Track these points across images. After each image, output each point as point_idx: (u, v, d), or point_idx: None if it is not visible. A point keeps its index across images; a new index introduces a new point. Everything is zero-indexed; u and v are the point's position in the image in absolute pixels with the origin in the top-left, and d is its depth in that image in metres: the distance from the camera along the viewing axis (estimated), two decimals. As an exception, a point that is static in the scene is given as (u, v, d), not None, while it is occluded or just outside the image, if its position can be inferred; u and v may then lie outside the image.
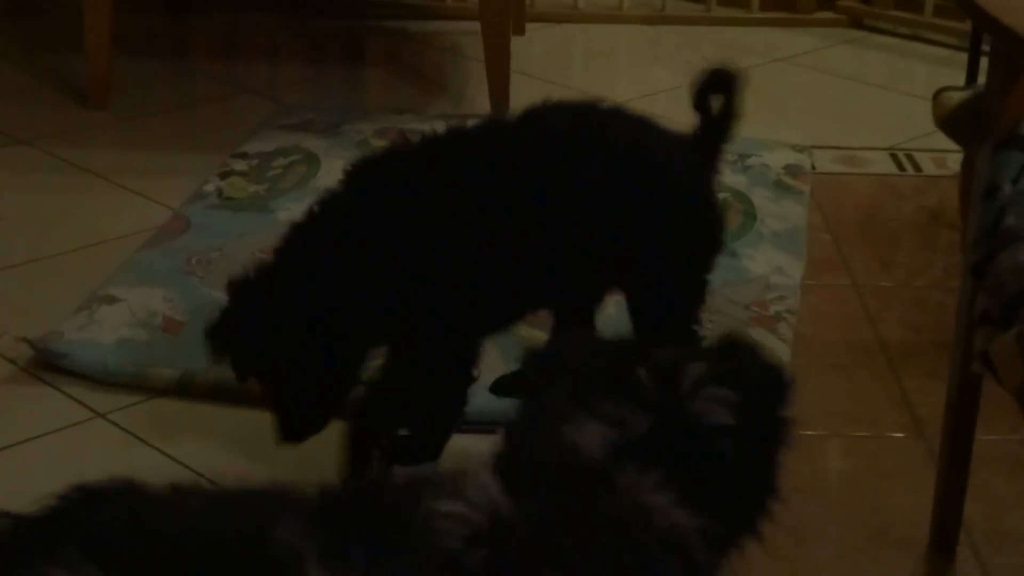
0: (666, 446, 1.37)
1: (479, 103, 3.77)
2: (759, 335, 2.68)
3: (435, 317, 2.14)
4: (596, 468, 1.34)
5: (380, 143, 3.37)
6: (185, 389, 2.49)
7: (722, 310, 2.77)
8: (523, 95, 3.60)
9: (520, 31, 4.37)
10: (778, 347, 2.65)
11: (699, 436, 1.40)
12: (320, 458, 2.31)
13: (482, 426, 2.29)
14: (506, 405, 2.20)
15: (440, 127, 2.46)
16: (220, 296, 2.72)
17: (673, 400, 1.40)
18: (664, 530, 1.33)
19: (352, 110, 3.72)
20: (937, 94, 2.98)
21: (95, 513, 1.39)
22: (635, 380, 1.41)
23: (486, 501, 1.28)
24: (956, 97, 2.93)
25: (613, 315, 2.48)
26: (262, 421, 2.40)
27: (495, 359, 2.45)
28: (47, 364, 2.54)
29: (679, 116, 3.84)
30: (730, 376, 1.44)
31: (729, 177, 3.37)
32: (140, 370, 2.52)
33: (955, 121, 2.90)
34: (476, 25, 3.80)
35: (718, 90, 2.44)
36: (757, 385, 1.48)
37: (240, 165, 3.36)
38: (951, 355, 2.13)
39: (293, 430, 2.23)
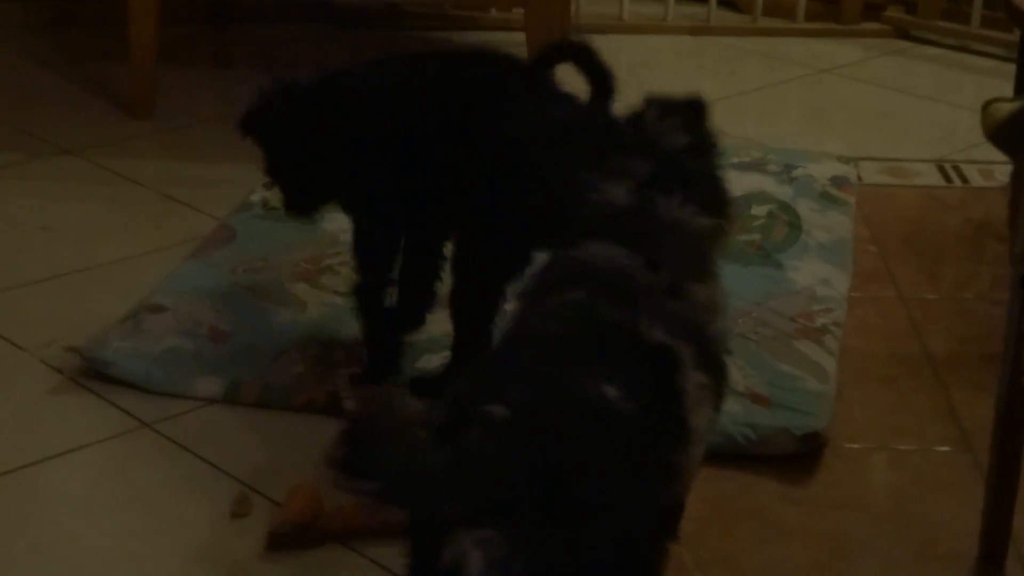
0: (664, 175, 1.93)
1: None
2: (805, 347, 2.67)
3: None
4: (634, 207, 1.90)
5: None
6: (231, 398, 2.49)
7: (767, 322, 2.76)
8: (568, 106, 3.60)
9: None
10: (824, 360, 2.64)
11: (676, 158, 1.98)
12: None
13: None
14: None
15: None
16: (266, 305, 2.76)
17: (652, 142, 1.98)
18: (697, 230, 1.92)
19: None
20: (986, 105, 2.97)
21: None
22: (621, 139, 2.00)
23: None
24: (1006, 108, 2.91)
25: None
26: (309, 430, 2.42)
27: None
28: (94, 373, 2.55)
29: (725, 126, 3.84)
30: (667, 109, 2.08)
31: (775, 188, 3.36)
32: (186, 379, 2.53)
33: (1005, 132, 2.88)
34: (520, 36, 3.80)
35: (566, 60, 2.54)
36: (684, 109, 2.12)
37: (285, 175, 3.37)
38: (999, 368, 2.12)
39: (294, 202, 2.61)
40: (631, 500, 1.62)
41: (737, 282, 2.90)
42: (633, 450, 1.64)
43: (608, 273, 1.82)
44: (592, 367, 1.66)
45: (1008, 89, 3.49)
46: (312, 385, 2.50)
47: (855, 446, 2.44)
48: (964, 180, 3.56)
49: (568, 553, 1.54)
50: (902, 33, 4.73)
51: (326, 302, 2.80)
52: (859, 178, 3.51)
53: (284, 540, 2.13)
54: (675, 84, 4.34)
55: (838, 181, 3.43)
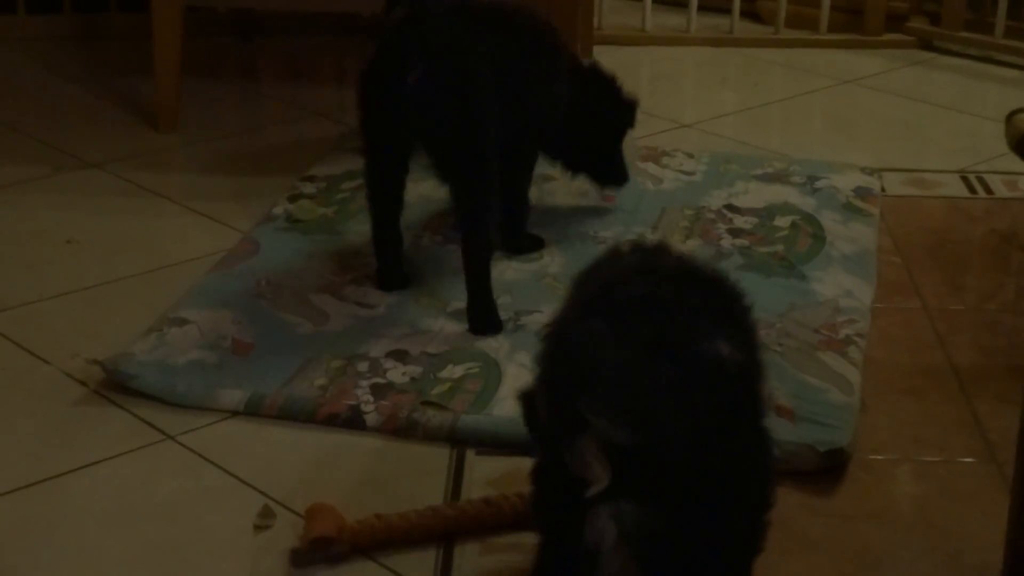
0: None
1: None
2: (828, 358, 2.67)
3: None
4: None
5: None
6: (254, 410, 2.50)
7: (791, 333, 2.76)
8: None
9: (587, 54, 4.37)
10: (848, 371, 2.63)
11: None
12: (389, 483, 2.32)
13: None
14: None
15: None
16: (289, 317, 2.76)
17: None
18: None
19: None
20: (1010, 116, 2.97)
21: None
22: None
23: None
24: (1030, 119, 2.92)
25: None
26: (331, 443, 2.42)
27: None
28: (118, 386, 2.56)
29: (748, 137, 3.85)
30: None
31: (798, 199, 3.36)
32: (209, 391, 2.53)
33: (1029, 143, 2.89)
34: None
35: None
36: None
37: (308, 188, 3.38)
38: (1024, 380, 2.11)
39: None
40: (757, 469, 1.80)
41: (761, 293, 2.89)
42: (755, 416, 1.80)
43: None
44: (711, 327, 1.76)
45: (1032, 99, 3.49)
46: (335, 398, 2.50)
47: (880, 458, 2.43)
48: (988, 191, 3.55)
49: (699, 522, 1.70)
50: (925, 44, 4.72)
51: (349, 314, 2.80)
52: (883, 189, 3.50)
53: (311, 556, 2.13)
54: (697, 95, 4.39)
55: (862, 192, 3.43)
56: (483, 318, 2.77)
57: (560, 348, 1.73)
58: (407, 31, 2.71)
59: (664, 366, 1.67)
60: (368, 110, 2.83)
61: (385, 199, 2.90)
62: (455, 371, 2.59)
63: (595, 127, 3.19)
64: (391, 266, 2.93)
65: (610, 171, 3.26)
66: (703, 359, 1.72)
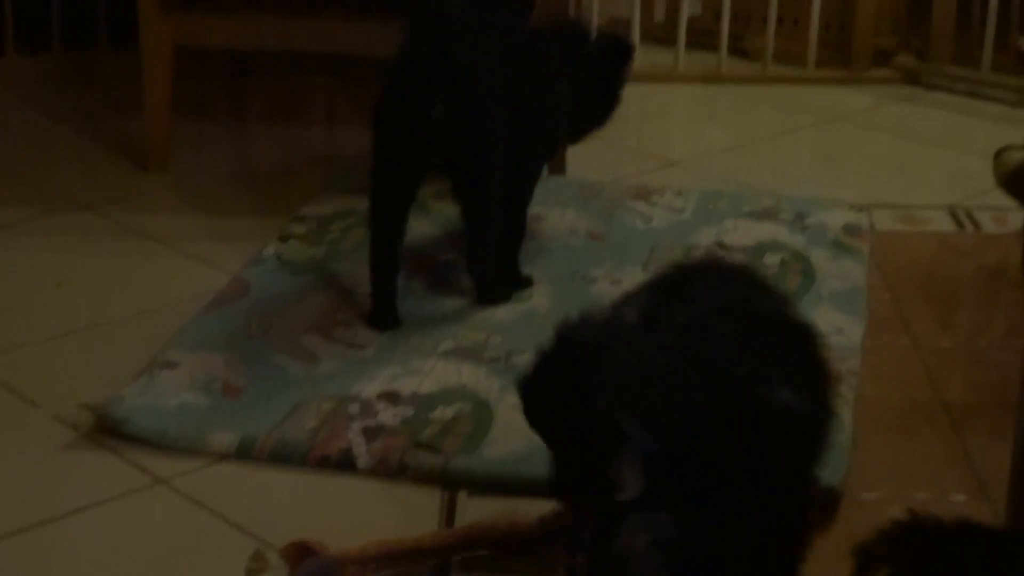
0: None
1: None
2: (820, 396, 2.67)
3: None
4: None
5: (438, 205, 3.39)
6: (245, 453, 2.49)
7: (782, 371, 2.75)
8: (579, 155, 3.62)
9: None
10: (840, 409, 2.63)
11: None
12: (381, 526, 2.32)
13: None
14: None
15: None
16: (280, 359, 2.76)
17: None
18: None
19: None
20: (998, 153, 2.98)
21: None
22: None
23: None
24: (1017, 156, 2.92)
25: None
26: (323, 486, 2.41)
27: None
28: (108, 429, 2.55)
29: (737, 175, 3.86)
30: None
31: (787, 237, 3.36)
32: (200, 434, 2.53)
33: (1017, 180, 2.89)
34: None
35: None
36: None
37: (299, 228, 3.38)
38: (1016, 415, 2.11)
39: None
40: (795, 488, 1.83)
41: (751, 332, 2.90)
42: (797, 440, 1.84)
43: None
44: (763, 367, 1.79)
45: (1020, 134, 3.50)
46: (326, 440, 2.50)
47: (872, 495, 2.43)
48: (977, 226, 3.56)
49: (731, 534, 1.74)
50: (912, 79, 4.73)
51: (340, 355, 2.80)
52: (872, 225, 3.51)
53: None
54: (687, 132, 4.39)
55: (851, 229, 3.43)
56: (492, 291, 3.01)
57: (604, 355, 1.74)
58: (425, 63, 2.81)
59: (715, 397, 1.70)
60: (383, 137, 2.88)
61: (389, 227, 2.94)
62: (446, 412, 2.59)
63: (601, 104, 3.32)
64: (386, 301, 2.95)
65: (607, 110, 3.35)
66: (764, 403, 1.73)
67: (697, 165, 3.98)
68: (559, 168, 3.72)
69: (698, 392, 1.72)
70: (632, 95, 4.56)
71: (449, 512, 2.35)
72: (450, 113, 2.82)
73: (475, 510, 2.35)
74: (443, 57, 2.83)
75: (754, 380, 1.76)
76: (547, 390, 1.90)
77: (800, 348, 1.91)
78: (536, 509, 2.23)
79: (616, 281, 3.10)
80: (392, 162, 2.88)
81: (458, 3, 2.93)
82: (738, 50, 4.87)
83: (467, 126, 2.86)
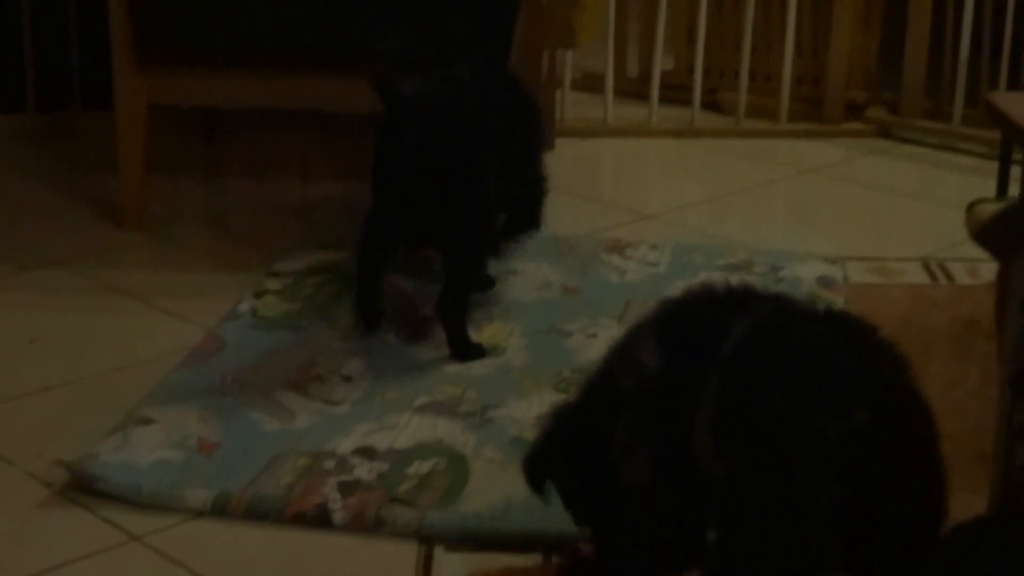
0: None
1: (510, 219, 3.79)
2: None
3: None
4: None
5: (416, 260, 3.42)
6: (221, 510, 2.48)
7: (758, 424, 2.76)
8: (553, 209, 3.62)
9: (550, 146, 4.40)
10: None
11: None
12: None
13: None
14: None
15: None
16: (255, 415, 2.75)
17: None
18: None
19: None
20: (970, 206, 2.98)
21: None
22: None
23: None
24: (989, 209, 2.93)
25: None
26: (299, 542, 2.40)
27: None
28: (83, 487, 2.54)
29: (711, 228, 3.87)
30: None
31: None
32: (175, 491, 2.52)
33: (989, 233, 2.90)
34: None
35: None
36: None
37: (274, 284, 3.37)
38: (991, 468, 2.11)
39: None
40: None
41: (726, 384, 2.91)
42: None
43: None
44: None
45: (991, 186, 3.51)
46: (302, 496, 2.49)
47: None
48: (950, 278, 3.57)
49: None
50: (884, 132, 4.76)
51: (315, 410, 2.80)
52: (845, 278, 3.52)
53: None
54: (661, 186, 4.40)
55: (825, 281, 3.45)
56: (465, 350, 3.03)
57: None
58: (415, 120, 3.01)
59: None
60: (382, 170, 3.09)
61: (377, 252, 3.12)
62: (422, 467, 2.58)
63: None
64: (369, 300, 3.11)
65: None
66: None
67: (671, 218, 3.99)
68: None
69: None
70: (606, 149, 4.62)
71: (426, 567, 2.35)
72: (441, 172, 2.98)
73: (452, 565, 2.34)
74: (430, 117, 3.02)
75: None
76: None
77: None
78: (513, 563, 2.23)
79: (591, 335, 3.11)
80: (385, 190, 3.09)
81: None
82: (711, 104, 4.89)
83: (457, 182, 3.01)
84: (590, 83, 4.94)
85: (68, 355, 3.10)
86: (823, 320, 2.09)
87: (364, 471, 2.57)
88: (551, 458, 2.20)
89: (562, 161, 4.37)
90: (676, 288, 3.34)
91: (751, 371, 1.91)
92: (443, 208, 3.00)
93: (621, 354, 2.14)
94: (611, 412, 2.08)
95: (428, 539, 2.41)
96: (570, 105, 4.75)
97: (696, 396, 1.94)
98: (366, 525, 2.43)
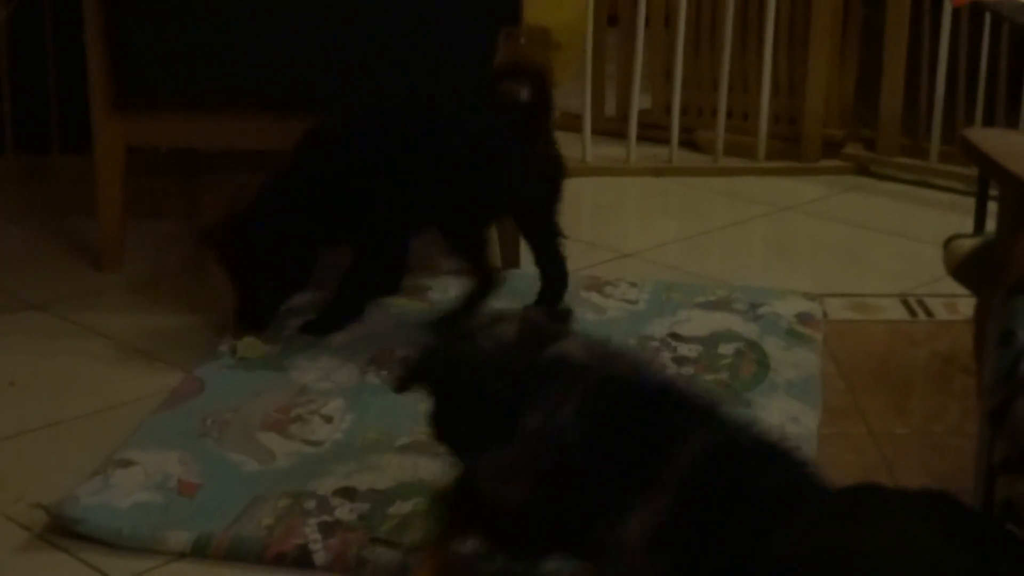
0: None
1: (491, 256, 3.78)
2: (777, 485, 2.67)
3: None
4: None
5: (400, 301, 3.46)
6: (201, 552, 2.47)
7: (739, 461, 2.76)
8: (533, 249, 3.62)
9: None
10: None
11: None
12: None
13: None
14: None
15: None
16: (235, 456, 2.75)
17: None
18: None
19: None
20: (947, 242, 2.99)
21: None
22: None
23: None
24: (967, 245, 2.94)
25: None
26: (279, 584, 2.40)
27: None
28: (63, 530, 2.53)
29: (690, 266, 3.88)
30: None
31: (741, 326, 3.38)
32: (156, 533, 2.51)
33: (967, 269, 2.91)
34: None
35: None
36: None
37: (253, 325, 3.37)
38: (972, 503, 2.11)
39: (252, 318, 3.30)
40: None
41: (707, 422, 2.91)
42: None
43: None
44: None
45: (968, 221, 3.53)
46: (283, 537, 2.48)
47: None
48: (929, 314, 3.59)
49: None
50: (862, 169, 4.78)
51: (295, 451, 2.79)
52: (825, 314, 3.53)
53: None
54: (639, 224, 4.41)
55: (804, 318, 3.45)
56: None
57: None
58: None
59: None
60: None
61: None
62: (403, 507, 2.58)
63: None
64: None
65: None
66: None
67: (651, 256, 4.00)
68: (513, 262, 3.73)
69: None
70: (585, 188, 4.63)
71: (408, 608, 2.34)
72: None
73: (434, 605, 2.34)
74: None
75: None
76: None
77: None
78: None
79: (572, 373, 3.10)
80: None
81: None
82: (689, 143, 4.91)
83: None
84: (568, 123, 4.94)
85: (47, 398, 3.09)
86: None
87: (345, 511, 2.57)
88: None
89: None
90: (656, 326, 3.37)
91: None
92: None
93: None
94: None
95: (410, 579, 2.40)
96: (549, 145, 4.76)
97: None
98: (348, 565, 2.42)
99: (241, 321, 3.30)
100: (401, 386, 2.42)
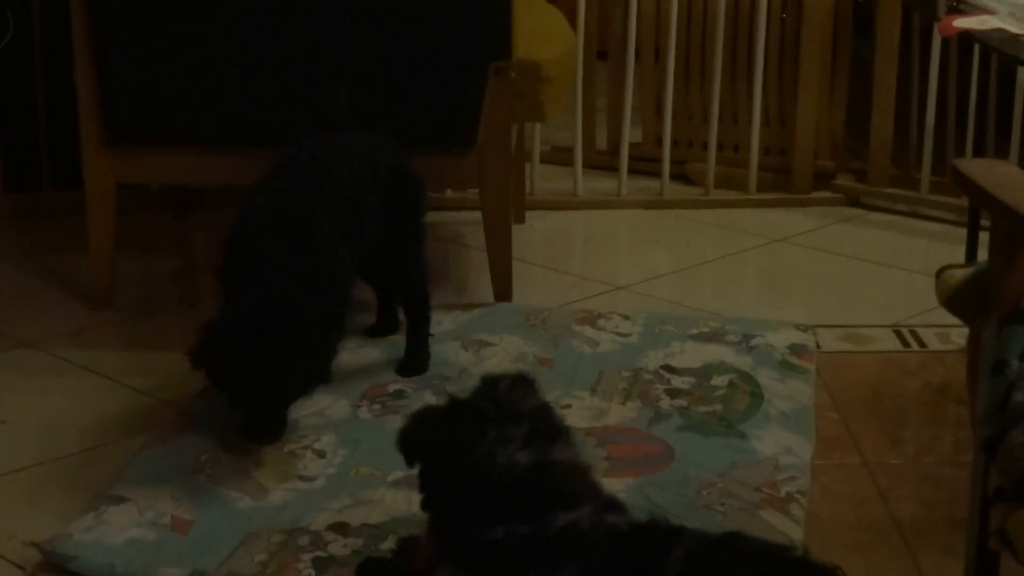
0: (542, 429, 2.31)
1: (481, 291, 3.79)
2: (771, 517, 2.67)
3: None
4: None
5: (394, 337, 3.45)
6: (194, 589, 2.47)
7: (732, 492, 2.76)
8: (525, 282, 3.63)
9: (520, 219, 4.41)
10: (791, 528, 2.63)
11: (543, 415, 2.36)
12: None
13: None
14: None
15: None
16: (228, 492, 2.74)
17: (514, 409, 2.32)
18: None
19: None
20: (939, 273, 2.99)
21: None
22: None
23: None
24: (959, 275, 2.94)
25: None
26: (273, 620, 2.39)
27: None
28: (55, 567, 2.52)
29: (683, 298, 3.88)
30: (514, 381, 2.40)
31: (734, 358, 3.37)
32: (149, 570, 2.50)
33: (959, 299, 2.90)
34: (477, 215, 3.83)
35: None
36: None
37: (245, 361, 3.36)
38: (967, 532, 2.12)
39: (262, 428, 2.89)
40: None
41: (700, 453, 2.91)
42: None
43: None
44: None
45: (960, 251, 3.54)
46: (276, 572, 2.47)
47: (826, 616, 2.42)
48: (922, 344, 3.59)
49: None
50: (853, 201, 4.79)
51: (289, 487, 2.78)
52: (818, 345, 3.53)
53: None
54: (631, 258, 4.42)
55: (797, 349, 3.45)
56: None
57: None
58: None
59: None
60: None
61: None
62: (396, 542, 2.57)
63: None
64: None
65: None
66: None
67: (643, 289, 4.00)
68: (505, 295, 3.73)
69: None
70: (576, 221, 4.63)
71: (402, 643, 2.33)
72: None
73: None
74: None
75: None
76: None
77: None
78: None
79: (565, 406, 3.10)
80: None
81: None
82: (680, 175, 4.91)
83: None
84: (559, 156, 4.96)
85: (39, 436, 3.08)
86: None
87: (339, 547, 2.56)
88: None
89: (533, 234, 4.38)
90: (649, 358, 3.36)
91: None
92: None
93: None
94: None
95: (404, 614, 2.39)
96: (540, 178, 4.77)
97: None
98: (342, 602, 2.42)
99: (249, 436, 2.92)
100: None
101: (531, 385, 2.40)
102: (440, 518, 2.33)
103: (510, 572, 2.12)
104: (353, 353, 3.31)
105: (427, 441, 2.35)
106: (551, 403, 2.42)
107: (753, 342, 3.47)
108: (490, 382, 2.39)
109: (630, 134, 4.84)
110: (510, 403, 2.32)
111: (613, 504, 2.24)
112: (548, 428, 2.31)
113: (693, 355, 3.41)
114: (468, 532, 2.20)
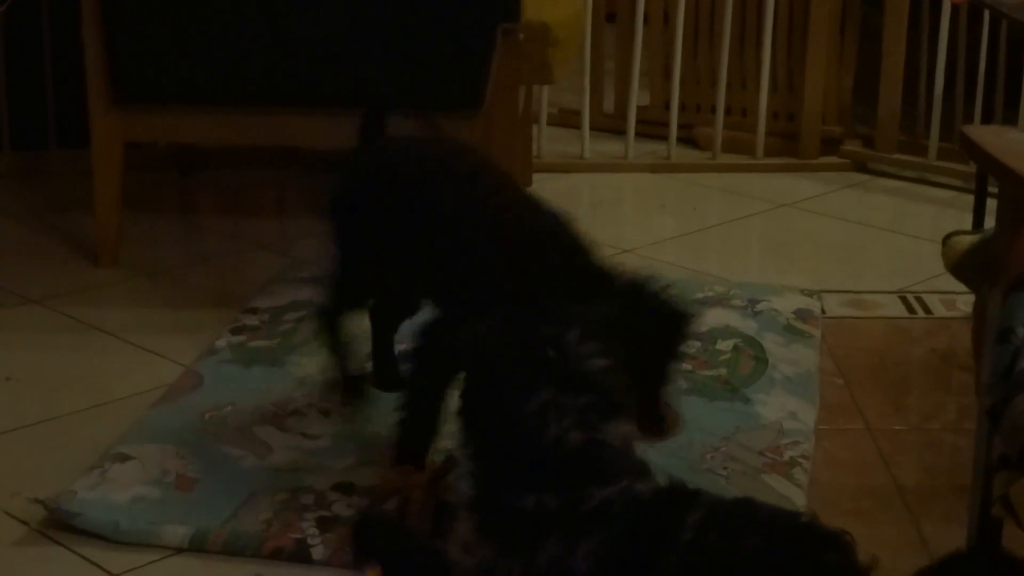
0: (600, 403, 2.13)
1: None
2: (774, 481, 2.67)
3: None
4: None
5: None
6: (199, 546, 2.47)
7: (736, 456, 2.76)
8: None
9: (527, 181, 4.41)
10: (793, 493, 2.64)
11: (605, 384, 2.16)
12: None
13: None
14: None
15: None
16: (232, 450, 2.74)
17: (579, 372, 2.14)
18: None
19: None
20: (946, 239, 2.99)
21: None
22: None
23: None
24: (965, 241, 2.94)
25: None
26: (277, 578, 2.40)
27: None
28: (60, 524, 2.53)
29: (688, 262, 3.88)
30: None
31: (739, 322, 3.37)
32: (153, 528, 2.51)
33: (965, 266, 2.91)
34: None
35: None
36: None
37: (252, 320, 3.37)
38: (970, 499, 2.12)
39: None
40: None
41: (704, 417, 2.91)
42: None
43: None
44: None
45: (967, 218, 3.53)
46: (280, 532, 2.48)
47: (828, 580, 2.42)
48: (927, 311, 3.58)
49: None
50: (860, 166, 4.78)
51: (293, 446, 2.79)
52: (823, 311, 3.53)
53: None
54: (637, 221, 4.41)
55: (802, 314, 3.45)
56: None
57: None
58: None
59: None
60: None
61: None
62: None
63: None
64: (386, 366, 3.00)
65: None
66: None
67: (648, 252, 4.00)
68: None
69: None
70: (583, 184, 4.63)
71: (405, 603, 2.34)
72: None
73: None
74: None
75: None
76: None
77: None
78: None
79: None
80: None
81: None
82: (687, 139, 4.91)
83: None
84: (567, 119, 4.95)
85: (44, 393, 3.09)
86: None
87: (343, 507, 2.56)
88: None
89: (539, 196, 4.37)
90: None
91: None
92: None
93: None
94: None
95: (407, 574, 2.40)
96: (547, 141, 4.77)
97: None
98: (346, 560, 2.42)
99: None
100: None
101: (605, 341, 2.22)
102: (473, 468, 2.23)
103: (529, 542, 2.08)
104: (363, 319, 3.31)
105: (480, 362, 2.22)
106: (616, 366, 2.22)
107: (758, 307, 3.47)
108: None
109: (638, 97, 4.84)
110: (575, 360, 2.16)
111: (644, 472, 2.16)
112: (606, 404, 2.15)
113: (698, 319, 3.40)
114: (497, 495, 2.11)
